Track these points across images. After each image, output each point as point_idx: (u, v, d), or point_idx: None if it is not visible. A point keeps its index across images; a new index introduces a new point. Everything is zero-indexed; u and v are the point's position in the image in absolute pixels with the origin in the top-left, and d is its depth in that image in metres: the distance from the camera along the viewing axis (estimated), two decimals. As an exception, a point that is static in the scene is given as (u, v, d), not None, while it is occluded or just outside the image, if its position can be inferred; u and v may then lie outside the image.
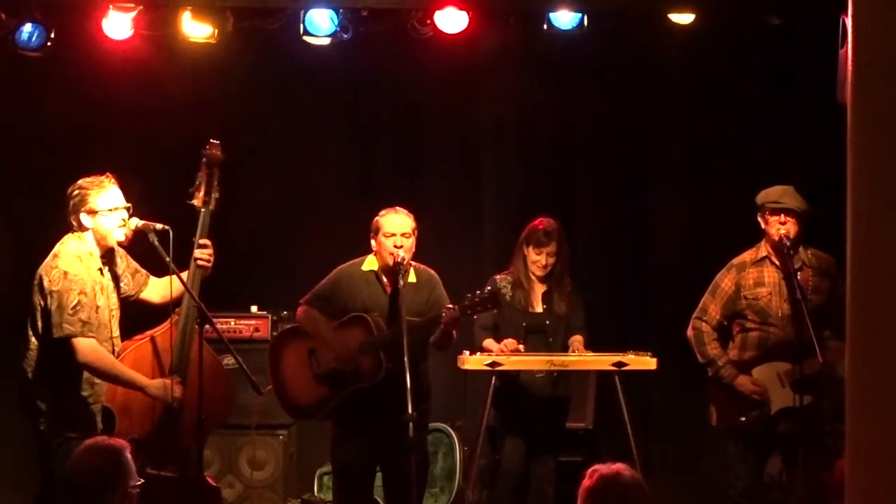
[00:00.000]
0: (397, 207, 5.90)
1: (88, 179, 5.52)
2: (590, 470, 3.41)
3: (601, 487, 3.34)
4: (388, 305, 5.83)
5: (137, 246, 5.60)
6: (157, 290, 5.73)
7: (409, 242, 5.81)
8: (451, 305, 5.74)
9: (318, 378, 5.83)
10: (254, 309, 7.33)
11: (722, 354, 6.19)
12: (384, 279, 5.88)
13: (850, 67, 2.64)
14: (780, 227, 6.06)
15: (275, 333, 7.17)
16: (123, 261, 5.67)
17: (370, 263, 5.91)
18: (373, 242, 5.89)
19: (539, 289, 6.64)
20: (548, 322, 6.59)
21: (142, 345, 5.55)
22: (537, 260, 6.55)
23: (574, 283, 6.73)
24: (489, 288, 5.81)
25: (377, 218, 5.87)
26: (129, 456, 3.85)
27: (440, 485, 7.04)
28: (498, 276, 6.65)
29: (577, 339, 6.59)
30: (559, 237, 6.59)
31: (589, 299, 6.83)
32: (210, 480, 5.82)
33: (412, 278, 5.89)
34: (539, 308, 6.62)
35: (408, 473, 5.33)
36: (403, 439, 5.23)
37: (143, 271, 5.73)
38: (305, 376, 5.86)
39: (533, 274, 6.59)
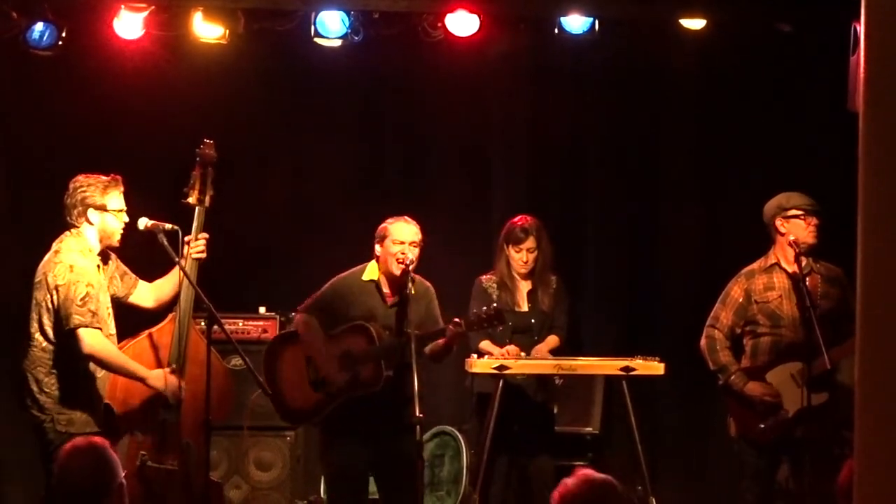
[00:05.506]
0: (405, 217, 5.78)
1: (98, 177, 5.53)
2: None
3: (572, 491, 3.33)
4: (388, 316, 5.70)
5: (141, 246, 5.62)
6: (151, 294, 5.75)
7: (415, 253, 5.67)
8: (458, 320, 5.62)
9: (315, 385, 5.73)
10: (262, 310, 7.32)
11: (733, 362, 6.14)
12: (385, 289, 5.73)
13: (861, 75, 2.63)
14: (812, 230, 6.05)
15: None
16: (114, 262, 5.68)
17: (371, 273, 5.76)
18: (377, 248, 5.73)
19: (524, 287, 6.65)
20: (533, 321, 6.61)
21: (139, 341, 5.59)
22: (518, 258, 6.59)
23: (560, 282, 6.72)
24: (495, 305, 5.77)
25: (385, 225, 5.73)
26: (112, 451, 3.79)
27: (446, 488, 7.03)
28: (484, 277, 6.67)
29: (547, 341, 6.59)
30: (538, 233, 6.60)
31: (595, 303, 6.82)
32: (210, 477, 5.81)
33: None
34: (525, 307, 6.65)
35: (405, 479, 5.32)
36: (405, 443, 5.21)
37: (132, 275, 5.74)
38: (301, 381, 5.75)
39: (516, 272, 6.61)
